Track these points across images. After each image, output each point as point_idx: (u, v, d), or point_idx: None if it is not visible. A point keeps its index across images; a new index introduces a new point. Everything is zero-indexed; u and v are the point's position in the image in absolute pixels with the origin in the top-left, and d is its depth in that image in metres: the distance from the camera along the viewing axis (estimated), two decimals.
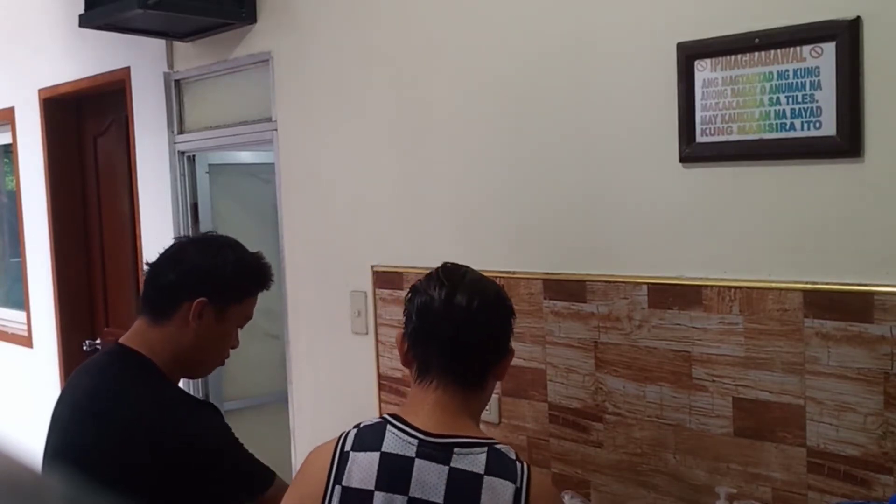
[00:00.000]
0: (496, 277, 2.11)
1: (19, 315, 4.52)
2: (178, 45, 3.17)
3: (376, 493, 1.25)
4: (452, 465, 1.26)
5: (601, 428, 1.94)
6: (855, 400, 1.55)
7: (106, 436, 1.53)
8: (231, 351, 1.73)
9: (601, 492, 1.95)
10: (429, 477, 1.25)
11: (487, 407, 2.15)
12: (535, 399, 2.07)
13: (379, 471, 1.27)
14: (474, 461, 1.27)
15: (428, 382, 1.36)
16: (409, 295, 1.43)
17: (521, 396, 2.10)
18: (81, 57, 3.68)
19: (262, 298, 1.76)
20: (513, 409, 2.12)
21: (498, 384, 2.13)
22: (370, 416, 2.45)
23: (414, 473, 1.26)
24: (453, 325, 1.35)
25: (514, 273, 2.08)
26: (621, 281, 1.87)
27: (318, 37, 2.60)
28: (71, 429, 1.59)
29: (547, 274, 2.02)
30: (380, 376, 2.46)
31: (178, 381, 1.69)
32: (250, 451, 1.63)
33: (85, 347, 4.01)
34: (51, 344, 4.13)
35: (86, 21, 2.90)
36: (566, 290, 1.98)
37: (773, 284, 1.64)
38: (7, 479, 0.44)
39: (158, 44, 3.20)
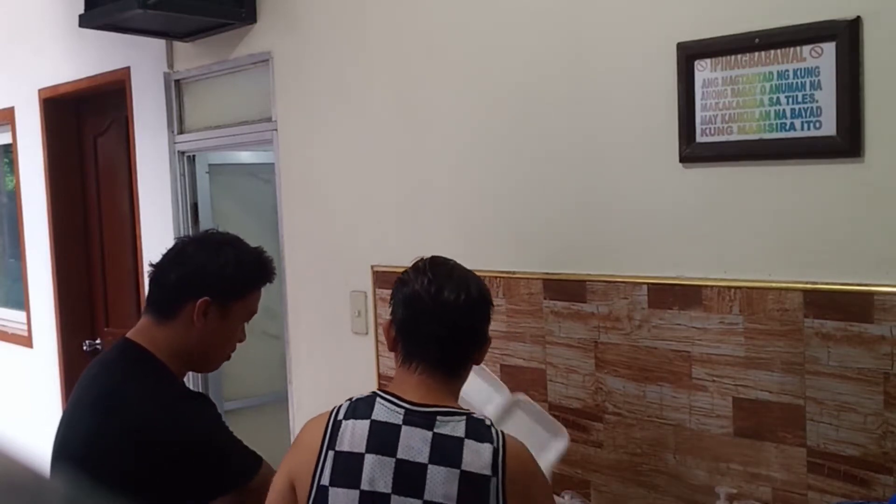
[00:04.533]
0: (496, 277, 2.11)
1: (19, 315, 4.52)
2: (178, 45, 3.17)
3: (367, 455, 1.36)
4: (436, 430, 1.38)
5: (601, 428, 1.94)
6: (855, 400, 1.55)
7: (105, 429, 1.55)
8: (236, 347, 1.76)
9: (601, 492, 1.95)
10: (414, 441, 1.37)
11: None
12: (534, 399, 2.07)
13: (369, 436, 1.38)
14: (455, 427, 1.38)
15: (412, 367, 1.46)
16: (397, 284, 1.52)
17: None
18: (81, 57, 3.68)
19: (263, 298, 1.76)
20: None
21: None
22: None
23: (401, 438, 1.37)
24: (440, 322, 1.45)
25: (514, 273, 2.08)
26: (621, 281, 1.87)
27: (318, 37, 2.60)
28: (74, 423, 1.62)
29: (547, 274, 2.02)
30: (380, 376, 2.46)
31: (183, 375, 1.71)
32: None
33: (85, 347, 4.01)
34: (51, 344, 4.13)
35: (86, 21, 2.90)
36: (566, 290, 1.98)
37: (773, 284, 1.64)
38: (7, 479, 0.44)
39: (158, 44, 3.20)
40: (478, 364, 1.55)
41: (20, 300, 4.50)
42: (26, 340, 4.39)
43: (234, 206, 3.43)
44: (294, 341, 2.81)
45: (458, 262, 1.57)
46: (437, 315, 1.44)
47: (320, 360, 2.71)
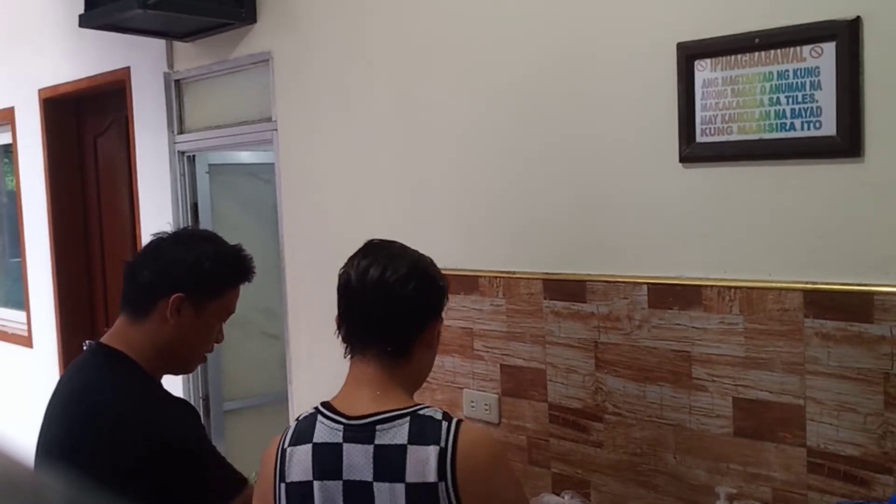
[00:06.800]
0: (496, 277, 2.11)
1: (19, 315, 4.53)
2: (178, 45, 3.17)
3: (315, 482, 1.32)
4: (376, 442, 1.31)
5: (601, 428, 1.94)
6: (855, 400, 1.55)
7: (80, 430, 1.51)
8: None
9: (601, 492, 1.95)
10: (356, 459, 1.31)
11: (487, 406, 2.15)
12: (535, 399, 2.07)
13: (313, 461, 1.33)
14: (397, 433, 1.31)
15: (356, 358, 1.43)
16: (339, 274, 1.48)
17: (521, 396, 2.10)
18: (81, 57, 3.68)
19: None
20: (513, 409, 2.12)
21: (497, 383, 2.13)
22: None
23: (344, 458, 1.32)
24: (366, 298, 1.40)
25: (514, 273, 2.08)
26: (621, 281, 1.87)
27: (318, 37, 2.60)
28: (53, 427, 1.57)
29: (547, 274, 2.02)
30: None
31: (161, 377, 1.66)
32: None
33: (85, 348, 4.00)
34: (51, 344, 4.13)
35: (86, 21, 2.90)
36: (566, 290, 1.98)
37: (773, 284, 1.64)
38: (7, 479, 0.44)
39: (158, 44, 3.20)
40: (431, 348, 1.45)
41: (20, 300, 4.50)
42: (26, 340, 4.39)
43: (234, 206, 3.43)
44: (294, 341, 2.81)
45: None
46: (365, 295, 1.40)
47: (320, 360, 2.71)
